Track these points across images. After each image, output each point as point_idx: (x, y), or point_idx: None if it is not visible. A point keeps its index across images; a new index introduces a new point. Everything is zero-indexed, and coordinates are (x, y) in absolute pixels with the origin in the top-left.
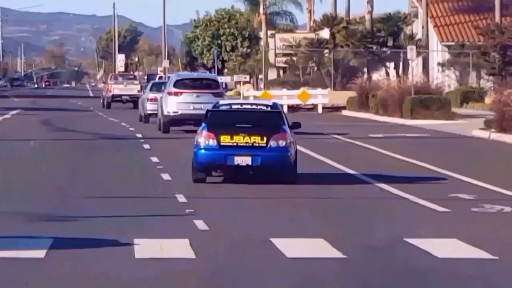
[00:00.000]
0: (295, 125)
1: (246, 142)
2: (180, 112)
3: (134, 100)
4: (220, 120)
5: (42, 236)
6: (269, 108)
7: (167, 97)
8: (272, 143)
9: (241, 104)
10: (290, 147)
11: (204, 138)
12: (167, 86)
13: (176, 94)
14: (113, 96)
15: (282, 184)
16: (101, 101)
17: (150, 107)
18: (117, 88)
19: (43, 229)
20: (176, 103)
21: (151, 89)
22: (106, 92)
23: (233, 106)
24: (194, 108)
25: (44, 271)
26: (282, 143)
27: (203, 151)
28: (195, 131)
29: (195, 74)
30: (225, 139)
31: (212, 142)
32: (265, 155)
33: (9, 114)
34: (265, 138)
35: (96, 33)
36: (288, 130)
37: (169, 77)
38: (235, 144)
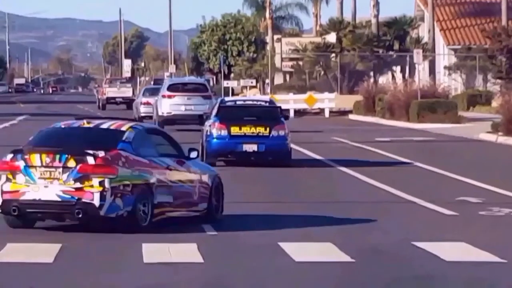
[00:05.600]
0: (285, 118)
1: (253, 132)
2: (173, 112)
3: (127, 102)
4: (230, 114)
5: (51, 242)
6: (267, 104)
7: (161, 100)
8: (274, 133)
9: (244, 100)
10: (288, 136)
11: (216, 129)
12: (161, 90)
13: (169, 97)
14: (108, 98)
15: (287, 181)
16: (97, 103)
17: (143, 110)
18: (111, 91)
19: (52, 234)
20: (169, 105)
21: (144, 94)
22: (101, 95)
23: (238, 102)
24: (185, 109)
25: (52, 276)
26: (281, 132)
27: (216, 140)
28: (189, 130)
29: (186, 79)
30: (235, 130)
31: (224, 133)
32: (268, 142)
33: (16, 120)
34: (268, 129)
35: (102, 38)
36: (285, 122)
37: None
38: (243, 134)
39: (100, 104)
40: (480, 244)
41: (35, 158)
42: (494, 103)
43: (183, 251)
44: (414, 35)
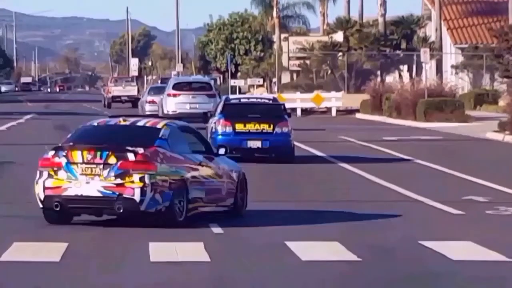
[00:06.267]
0: (288, 115)
1: (257, 129)
2: (178, 111)
3: (132, 100)
4: (234, 111)
5: (58, 241)
6: (271, 102)
7: (166, 98)
8: (278, 130)
9: (248, 98)
10: (291, 133)
11: (221, 126)
12: (166, 89)
13: (174, 95)
14: (113, 97)
15: (294, 178)
16: (102, 101)
17: (148, 108)
18: (117, 90)
19: (59, 233)
20: (174, 103)
21: (149, 93)
22: (107, 93)
23: (242, 100)
24: (190, 108)
25: (59, 275)
26: (285, 129)
27: (221, 136)
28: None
29: (191, 78)
30: (240, 127)
31: (229, 129)
32: (272, 139)
33: (23, 118)
34: (272, 126)
35: (109, 37)
36: (288, 119)
37: None
38: (247, 130)
39: (106, 103)
40: (487, 243)
41: (77, 155)
42: (501, 102)
43: (189, 250)
44: (421, 34)
